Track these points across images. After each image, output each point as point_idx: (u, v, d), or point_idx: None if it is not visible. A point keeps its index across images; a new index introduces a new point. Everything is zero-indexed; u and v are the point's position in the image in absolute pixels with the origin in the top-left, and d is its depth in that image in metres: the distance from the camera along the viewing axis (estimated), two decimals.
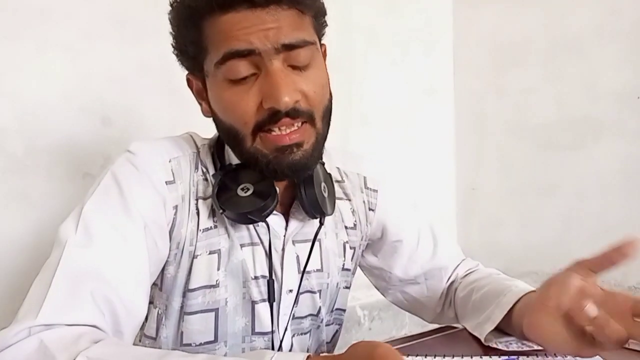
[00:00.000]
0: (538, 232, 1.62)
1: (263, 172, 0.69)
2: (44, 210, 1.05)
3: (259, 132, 0.67)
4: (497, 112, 1.73)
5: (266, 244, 0.75)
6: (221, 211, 0.70)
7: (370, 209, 0.87)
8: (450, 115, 1.85)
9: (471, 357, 0.69)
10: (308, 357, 0.49)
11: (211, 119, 0.73)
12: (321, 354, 0.55)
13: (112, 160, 0.73)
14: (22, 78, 1.04)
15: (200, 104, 0.74)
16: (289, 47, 0.64)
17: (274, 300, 0.74)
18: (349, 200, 0.86)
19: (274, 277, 0.75)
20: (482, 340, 0.75)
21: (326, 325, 0.84)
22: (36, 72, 1.05)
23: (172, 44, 0.72)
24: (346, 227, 0.85)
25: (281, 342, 0.77)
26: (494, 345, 0.73)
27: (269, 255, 0.74)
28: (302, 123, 0.67)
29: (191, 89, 0.75)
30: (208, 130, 0.81)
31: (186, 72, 0.75)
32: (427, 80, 1.78)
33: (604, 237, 1.38)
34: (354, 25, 1.56)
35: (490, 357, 0.69)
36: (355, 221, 0.86)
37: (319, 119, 0.69)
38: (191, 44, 0.68)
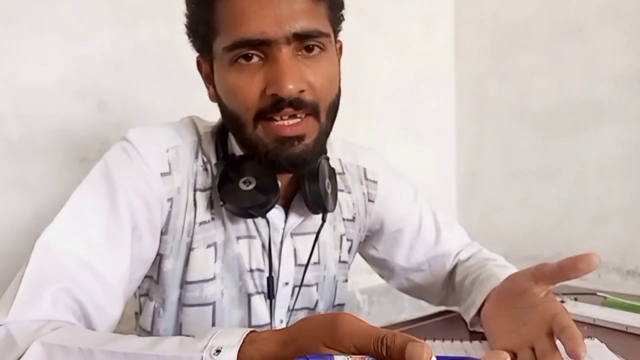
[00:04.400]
0: (538, 217, 1.61)
1: (261, 162, 0.67)
2: (41, 195, 1.04)
3: (261, 120, 0.65)
4: (498, 96, 1.72)
5: (264, 237, 0.74)
6: (221, 203, 0.69)
7: (369, 200, 0.87)
8: (451, 99, 1.83)
9: (470, 342, 0.70)
10: (252, 331, 0.47)
11: (216, 104, 0.72)
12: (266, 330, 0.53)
13: (109, 145, 0.72)
14: (18, 62, 1.02)
15: (208, 88, 0.73)
16: (301, 37, 0.63)
17: (273, 296, 0.74)
18: (349, 192, 0.85)
19: (272, 271, 0.74)
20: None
21: None
22: (32, 57, 1.04)
23: (185, 24, 0.70)
24: (344, 220, 0.84)
25: None
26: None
27: (269, 250, 0.74)
28: (306, 115, 0.65)
29: (200, 72, 0.74)
30: (205, 115, 0.80)
31: (197, 54, 0.73)
32: (428, 64, 1.76)
33: (604, 222, 1.39)
34: (354, 8, 1.53)
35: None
36: (355, 214, 0.85)
37: (323, 112, 0.67)
38: (202, 23, 0.67)
